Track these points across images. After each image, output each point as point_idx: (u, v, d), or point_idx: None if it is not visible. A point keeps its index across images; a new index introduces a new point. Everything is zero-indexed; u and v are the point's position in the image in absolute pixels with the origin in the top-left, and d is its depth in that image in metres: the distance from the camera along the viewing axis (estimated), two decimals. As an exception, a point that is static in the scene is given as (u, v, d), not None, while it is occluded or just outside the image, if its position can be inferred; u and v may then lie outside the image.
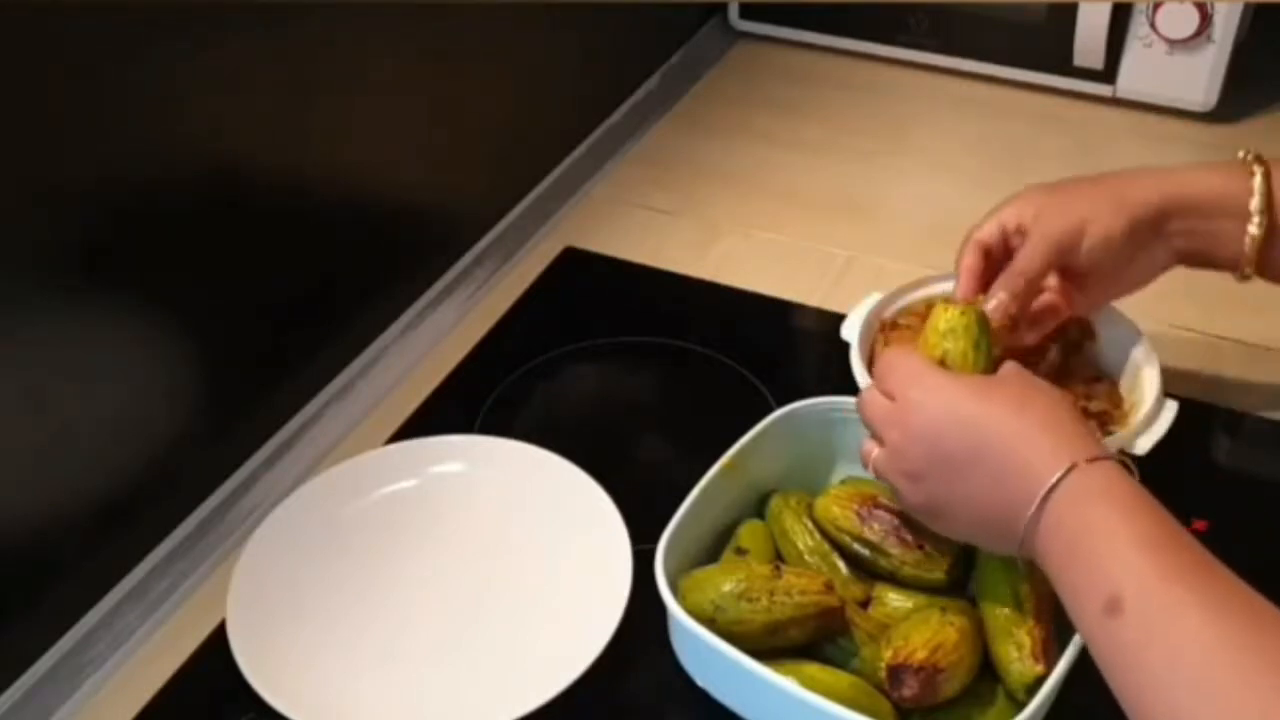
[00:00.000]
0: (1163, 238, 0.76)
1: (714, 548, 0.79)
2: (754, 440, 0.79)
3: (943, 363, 0.70)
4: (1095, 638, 0.56)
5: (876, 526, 0.75)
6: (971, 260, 0.77)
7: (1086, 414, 0.79)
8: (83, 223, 0.72)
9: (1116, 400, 0.82)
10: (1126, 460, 0.63)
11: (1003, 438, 0.62)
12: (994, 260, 0.78)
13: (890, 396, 0.68)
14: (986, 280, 0.77)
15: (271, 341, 0.89)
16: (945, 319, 0.71)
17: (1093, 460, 0.60)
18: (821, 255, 1.09)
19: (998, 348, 0.72)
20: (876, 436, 0.69)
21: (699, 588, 0.72)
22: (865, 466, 0.71)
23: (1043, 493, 0.59)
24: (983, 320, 0.72)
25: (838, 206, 1.16)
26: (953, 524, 0.67)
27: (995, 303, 0.75)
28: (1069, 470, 0.59)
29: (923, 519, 0.70)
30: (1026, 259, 0.75)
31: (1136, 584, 0.55)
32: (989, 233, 0.78)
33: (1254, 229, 0.75)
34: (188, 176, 0.78)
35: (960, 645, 0.68)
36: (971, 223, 0.79)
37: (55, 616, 0.76)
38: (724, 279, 1.07)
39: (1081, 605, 0.57)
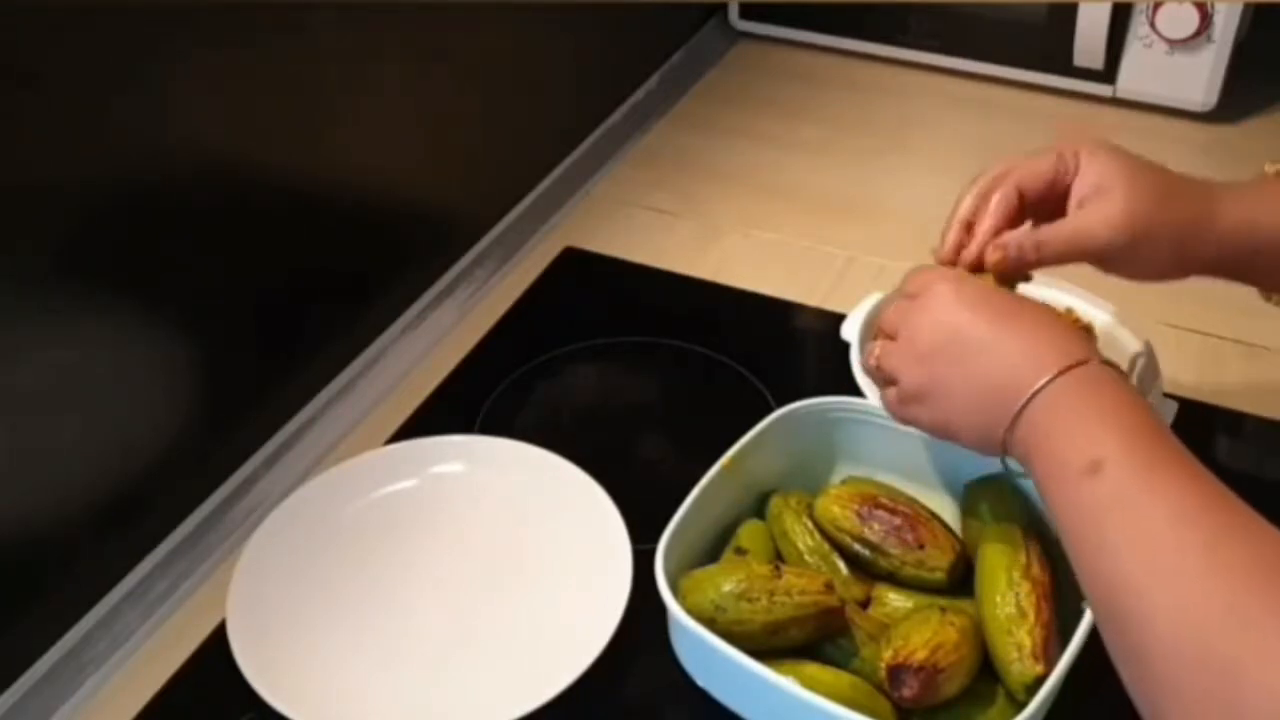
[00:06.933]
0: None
1: (714, 548, 0.79)
2: (754, 440, 0.79)
3: None
4: (1068, 498, 0.58)
5: (876, 526, 0.75)
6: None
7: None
8: (84, 223, 0.72)
9: (1117, 400, 0.82)
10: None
11: (1032, 324, 0.64)
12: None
13: (913, 299, 0.69)
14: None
15: (271, 342, 0.89)
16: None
17: (1104, 363, 0.62)
18: (821, 255, 1.09)
19: None
20: (889, 336, 0.70)
21: (699, 588, 0.72)
22: (864, 367, 0.71)
23: (1052, 373, 0.61)
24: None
25: (838, 206, 1.16)
26: (943, 404, 0.67)
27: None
28: (1082, 362, 0.61)
29: (909, 407, 0.69)
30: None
31: (1124, 453, 0.56)
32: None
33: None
34: (188, 177, 0.78)
35: (960, 645, 0.68)
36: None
37: (55, 616, 0.76)
38: (724, 279, 1.07)
39: (1062, 467, 0.58)
